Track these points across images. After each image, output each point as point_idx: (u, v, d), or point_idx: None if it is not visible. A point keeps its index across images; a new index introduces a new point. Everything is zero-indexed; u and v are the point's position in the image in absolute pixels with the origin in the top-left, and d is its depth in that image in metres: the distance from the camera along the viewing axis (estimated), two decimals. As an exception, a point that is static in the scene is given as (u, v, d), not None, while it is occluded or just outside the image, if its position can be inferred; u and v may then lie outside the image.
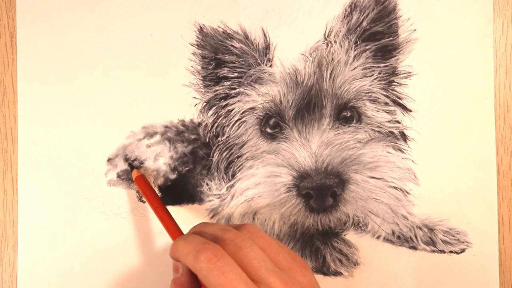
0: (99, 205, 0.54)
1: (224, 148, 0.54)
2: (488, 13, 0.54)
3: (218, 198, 0.54)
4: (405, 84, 0.54)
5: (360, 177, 0.51)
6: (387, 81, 0.53)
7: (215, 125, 0.54)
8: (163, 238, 0.54)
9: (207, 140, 0.54)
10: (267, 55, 0.53)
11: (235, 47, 0.53)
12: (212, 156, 0.54)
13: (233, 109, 0.53)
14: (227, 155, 0.54)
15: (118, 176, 0.54)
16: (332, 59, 0.53)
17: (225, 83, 0.54)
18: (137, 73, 0.54)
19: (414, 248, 0.53)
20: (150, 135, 0.54)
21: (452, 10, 0.54)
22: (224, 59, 0.53)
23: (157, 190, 0.54)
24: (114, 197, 0.54)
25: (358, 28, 0.53)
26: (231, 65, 0.53)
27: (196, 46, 0.54)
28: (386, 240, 0.54)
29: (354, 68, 0.53)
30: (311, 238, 0.54)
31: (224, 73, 0.53)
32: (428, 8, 0.54)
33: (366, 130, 0.53)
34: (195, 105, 0.54)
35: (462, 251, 0.53)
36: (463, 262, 0.53)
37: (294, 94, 0.52)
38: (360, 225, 0.53)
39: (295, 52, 0.53)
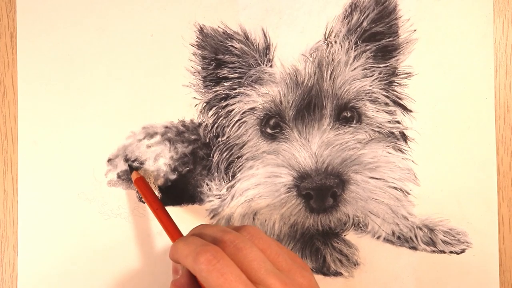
0: (99, 205, 0.54)
1: (224, 148, 0.54)
2: (488, 13, 0.53)
3: (218, 198, 0.54)
4: (405, 85, 0.54)
5: (360, 177, 0.51)
6: (387, 81, 0.53)
7: (215, 125, 0.54)
8: (162, 239, 0.54)
9: (207, 140, 0.54)
10: (267, 56, 0.53)
11: (235, 48, 0.53)
12: (212, 157, 0.54)
13: (233, 110, 0.53)
14: (227, 156, 0.54)
15: (118, 176, 0.54)
16: (332, 59, 0.53)
17: (225, 84, 0.53)
18: (137, 73, 0.54)
19: (414, 248, 0.53)
20: (150, 135, 0.54)
21: (452, 10, 0.53)
22: (224, 59, 0.53)
23: (157, 191, 0.54)
24: (114, 198, 0.54)
25: (359, 29, 0.53)
26: (231, 65, 0.53)
27: (196, 47, 0.54)
28: (386, 240, 0.54)
29: (354, 69, 0.53)
30: (311, 238, 0.54)
31: (224, 73, 0.53)
32: (428, 8, 0.53)
33: (366, 130, 0.53)
34: (195, 105, 0.54)
35: (462, 251, 0.53)
36: (463, 262, 0.53)
37: (294, 95, 0.52)
38: (360, 225, 0.53)
39: (295, 53, 0.53)
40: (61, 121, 0.54)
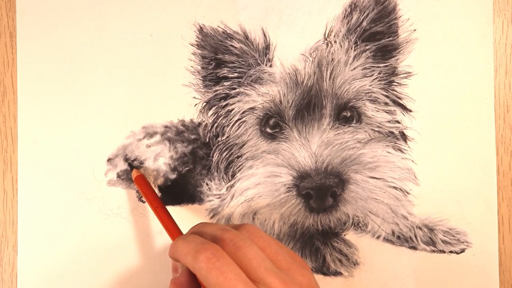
0: (99, 205, 0.54)
1: (224, 148, 0.54)
2: (488, 13, 0.54)
3: (218, 198, 0.54)
4: (405, 84, 0.54)
5: (360, 177, 0.51)
6: (387, 81, 0.53)
7: (215, 125, 0.54)
8: (162, 238, 0.54)
9: (207, 140, 0.54)
10: (267, 55, 0.53)
11: (235, 47, 0.53)
12: (212, 156, 0.54)
13: (233, 109, 0.53)
14: (227, 155, 0.54)
15: (118, 176, 0.54)
16: (332, 59, 0.53)
17: (225, 83, 0.54)
18: (137, 73, 0.54)
19: (414, 248, 0.53)
20: (150, 135, 0.54)
21: (452, 10, 0.53)
22: (224, 59, 0.53)
23: (157, 190, 0.54)
24: (114, 197, 0.54)
25: (358, 28, 0.53)
26: (231, 65, 0.53)
27: (196, 46, 0.54)
28: (386, 240, 0.54)
29: (354, 68, 0.53)
30: (311, 238, 0.54)
31: (224, 73, 0.53)
32: (428, 8, 0.53)
33: (366, 130, 0.53)
34: (195, 105, 0.54)
35: (462, 251, 0.53)
36: (463, 262, 0.53)
37: (294, 94, 0.52)
38: (360, 225, 0.53)
39: (295, 52, 0.53)
40: (61, 121, 0.54)
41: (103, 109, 0.54)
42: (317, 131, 0.52)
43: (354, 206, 0.52)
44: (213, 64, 0.54)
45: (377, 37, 0.53)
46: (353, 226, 0.53)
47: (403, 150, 0.53)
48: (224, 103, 0.54)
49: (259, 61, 0.53)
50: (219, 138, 0.54)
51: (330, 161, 0.51)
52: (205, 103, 0.54)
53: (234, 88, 0.53)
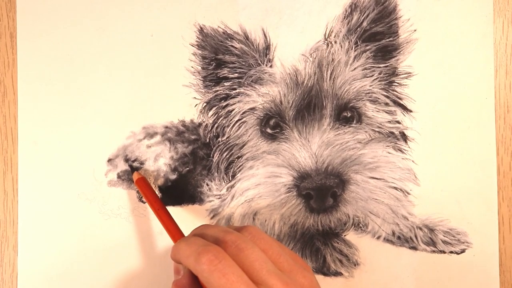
0: (99, 205, 0.54)
1: (225, 148, 0.54)
2: (488, 13, 0.54)
3: (219, 198, 0.54)
4: (405, 85, 0.54)
5: (361, 177, 0.51)
6: (387, 81, 0.53)
7: (216, 125, 0.54)
8: (163, 239, 0.54)
9: (208, 140, 0.54)
10: (267, 56, 0.53)
11: (235, 48, 0.53)
12: (213, 157, 0.54)
13: (233, 110, 0.53)
14: (228, 156, 0.54)
15: (119, 176, 0.54)
16: (333, 59, 0.53)
17: (225, 84, 0.53)
18: (137, 73, 0.54)
19: (414, 248, 0.53)
20: (151, 135, 0.54)
21: (452, 10, 0.53)
22: (224, 59, 0.53)
23: (157, 191, 0.54)
24: (115, 198, 0.54)
25: (359, 29, 0.53)
26: (231, 65, 0.53)
27: (196, 47, 0.54)
28: (386, 240, 0.54)
29: (355, 69, 0.53)
30: (312, 238, 0.54)
31: (224, 73, 0.53)
32: (428, 8, 0.53)
33: (366, 130, 0.53)
34: (196, 105, 0.54)
35: (462, 251, 0.53)
36: (463, 262, 0.53)
37: (295, 95, 0.52)
38: (360, 225, 0.53)
39: (295, 53, 0.53)
40: (61, 121, 0.54)
41: (103, 109, 0.54)
42: (318, 131, 0.52)
43: (354, 206, 0.52)
44: (214, 64, 0.53)
45: (377, 38, 0.53)
46: (353, 227, 0.53)
47: (404, 151, 0.53)
48: (224, 104, 0.54)
49: (259, 62, 0.53)
50: (220, 139, 0.54)
51: (331, 162, 0.51)
52: (205, 104, 0.54)
53: (235, 89, 0.53)
